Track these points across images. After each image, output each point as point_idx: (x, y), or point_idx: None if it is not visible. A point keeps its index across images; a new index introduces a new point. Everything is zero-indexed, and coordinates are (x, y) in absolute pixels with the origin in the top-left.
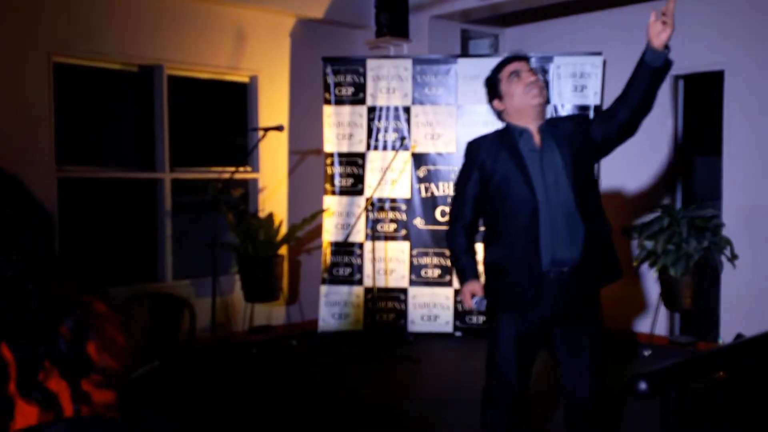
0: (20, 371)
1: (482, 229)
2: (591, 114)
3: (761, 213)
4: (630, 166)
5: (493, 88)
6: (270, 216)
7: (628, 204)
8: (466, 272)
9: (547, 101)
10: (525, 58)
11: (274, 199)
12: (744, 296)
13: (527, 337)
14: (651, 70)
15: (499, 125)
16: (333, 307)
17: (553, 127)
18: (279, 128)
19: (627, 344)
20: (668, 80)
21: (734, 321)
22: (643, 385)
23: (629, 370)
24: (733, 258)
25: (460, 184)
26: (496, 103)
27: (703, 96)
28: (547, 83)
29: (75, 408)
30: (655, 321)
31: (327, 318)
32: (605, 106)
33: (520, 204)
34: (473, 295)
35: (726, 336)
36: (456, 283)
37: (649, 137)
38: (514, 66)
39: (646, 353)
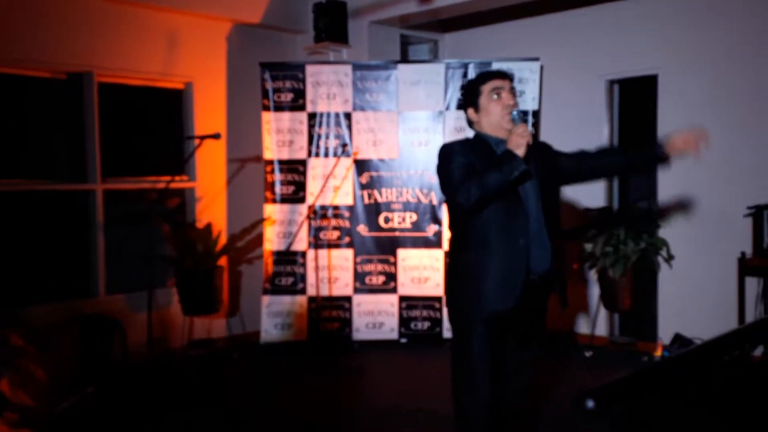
0: None
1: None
2: (530, 117)
3: (696, 214)
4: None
5: (472, 97)
6: (208, 226)
7: (567, 208)
8: (497, 163)
9: (522, 118)
10: (509, 77)
11: (212, 209)
12: (681, 296)
13: (494, 346)
14: (656, 159)
15: (434, 133)
16: (275, 317)
17: (529, 148)
18: (216, 136)
19: (569, 345)
20: (603, 84)
21: (672, 321)
22: (590, 403)
23: (572, 373)
24: (669, 259)
25: (448, 178)
26: (470, 112)
27: (638, 100)
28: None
29: None
30: (595, 322)
31: (269, 329)
32: (543, 111)
33: (508, 210)
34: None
35: (664, 335)
36: (401, 290)
37: (586, 143)
38: (498, 83)
39: (588, 354)
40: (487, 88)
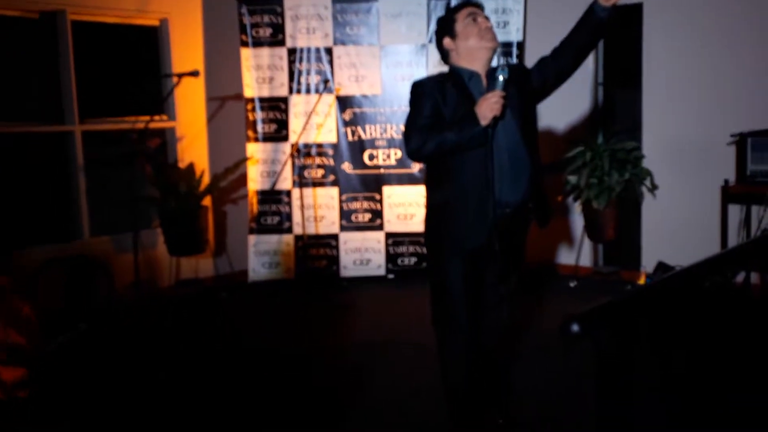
0: None
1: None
2: (514, 48)
3: (680, 144)
4: (552, 103)
5: (447, 25)
6: (190, 166)
7: (552, 140)
8: (459, 121)
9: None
10: (481, 6)
11: (193, 149)
12: (664, 225)
13: (471, 280)
14: (597, 21)
15: (418, 67)
16: (263, 256)
17: (495, 79)
18: (194, 74)
19: (554, 276)
20: None
21: (655, 250)
22: (574, 327)
23: (557, 302)
24: (653, 188)
25: (410, 119)
26: (447, 41)
27: (623, 29)
28: None
29: None
30: (579, 253)
31: (257, 268)
32: (527, 42)
33: (475, 146)
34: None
35: (648, 264)
36: (387, 227)
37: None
38: (471, 9)
39: (572, 284)
40: (462, 14)
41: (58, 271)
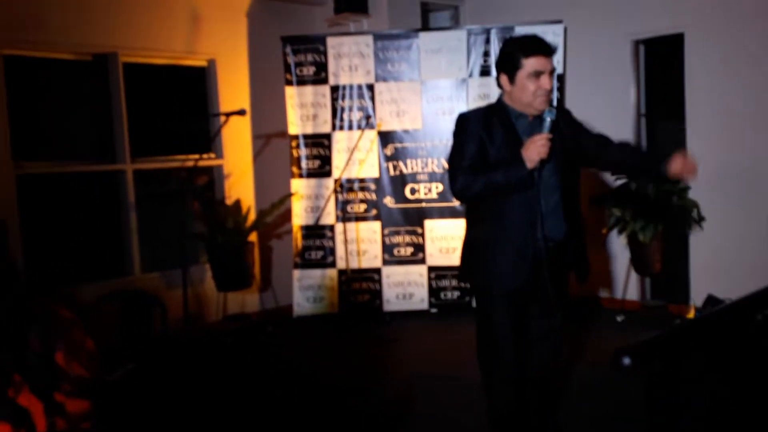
0: None
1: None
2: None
3: (727, 174)
4: None
5: (510, 65)
6: (237, 203)
7: (595, 172)
8: (505, 164)
9: (552, 122)
10: (552, 53)
11: (240, 185)
12: (713, 257)
13: (516, 316)
14: (657, 174)
15: (458, 101)
16: (307, 290)
17: (543, 121)
18: (241, 112)
19: (599, 310)
20: (628, 45)
21: (704, 283)
22: (626, 360)
23: (606, 337)
24: (700, 220)
25: (455, 157)
26: (504, 79)
27: (665, 60)
28: None
29: (49, 422)
30: (626, 286)
31: (301, 302)
32: (568, 74)
33: (520, 188)
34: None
35: (697, 298)
36: (429, 261)
37: (612, 105)
38: (540, 63)
39: (619, 318)
40: (529, 64)
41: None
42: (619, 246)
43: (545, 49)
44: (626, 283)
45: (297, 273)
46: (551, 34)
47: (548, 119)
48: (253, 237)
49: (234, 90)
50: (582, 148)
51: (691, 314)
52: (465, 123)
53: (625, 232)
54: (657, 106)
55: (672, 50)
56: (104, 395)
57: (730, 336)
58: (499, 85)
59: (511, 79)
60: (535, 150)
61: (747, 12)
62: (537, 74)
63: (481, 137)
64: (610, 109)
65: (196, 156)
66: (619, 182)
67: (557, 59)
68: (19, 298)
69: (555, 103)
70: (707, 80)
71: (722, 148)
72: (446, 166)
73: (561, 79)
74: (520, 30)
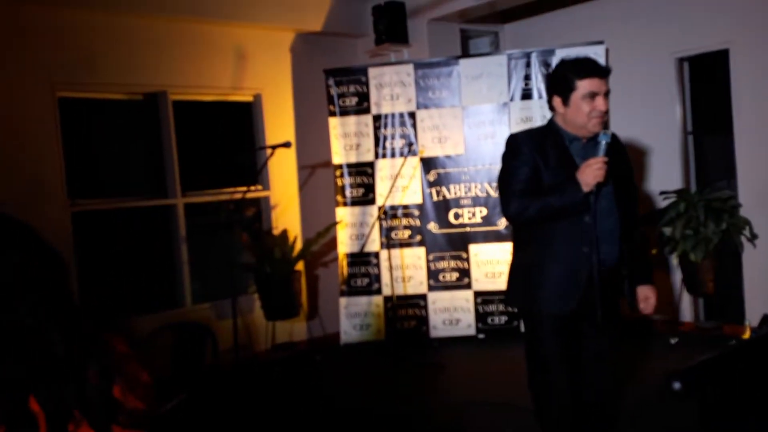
0: (50, 424)
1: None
2: None
3: None
4: (642, 154)
5: (563, 87)
6: (284, 233)
7: (644, 192)
8: (561, 187)
9: (608, 145)
10: (607, 75)
11: (286, 215)
12: (767, 276)
13: (568, 340)
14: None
15: (500, 125)
16: (354, 318)
17: (598, 143)
18: (287, 145)
19: (652, 332)
20: (672, 63)
21: (759, 302)
22: (676, 385)
23: (659, 359)
24: (753, 238)
25: (508, 180)
26: (557, 101)
27: (710, 76)
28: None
29: None
30: (679, 307)
31: (348, 330)
32: (611, 94)
33: (577, 215)
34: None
35: (752, 318)
36: (475, 286)
37: (658, 123)
38: (594, 85)
39: (673, 341)
40: (584, 86)
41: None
42: (671, 266)
43: (600, 71)
44: (679, 303)
45: (343, 300)
46: (592, 55)
47: (603, 142)
48: (299, 266)
49: (279, 123)
50: (625, 181)
51: (747, 335)
52: (518, 145)
53: (675, 252)
54: (703, 123)
55: (717, 66)
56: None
57: None
58: (551, 108)
59: (565, 101)
60: (591, 174)
61: None
62: (592, 95)
63: (535, 160)
64: (656, 128)
65: (244, 188)
66: (668, 201)
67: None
68: (77, 331)
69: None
70: (754, 95)
71: None
72: (490, 190)
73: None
74: (561, 52)
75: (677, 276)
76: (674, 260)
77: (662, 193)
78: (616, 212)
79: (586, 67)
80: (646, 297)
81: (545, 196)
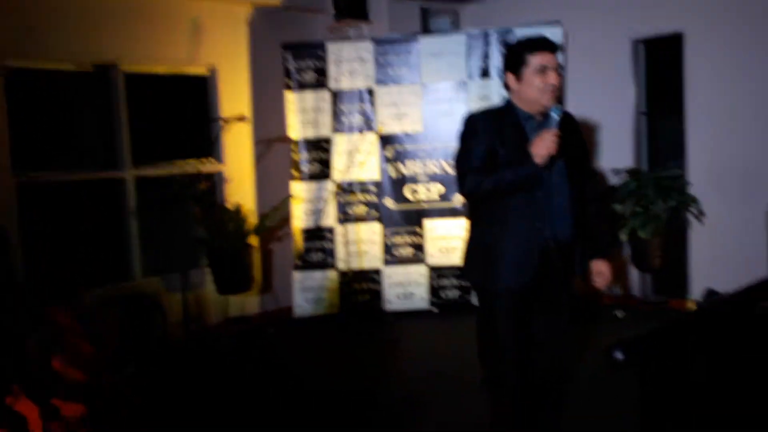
0: None
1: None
2: None
3: (725, 170)
4: (596, 132)
5: (516, 63)
6: (238, 207)
7: (597, 170)
8: (515, 161)
9: (559, 117)
10: (556, 50)
11: (241, 190)
12: (712, 252)
13: (521, 315)
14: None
15: (458, 103)
16: (308, 292)
17: (550, 118)
18: (241, 118)
19: (600, 307)
20: (628, 45)
21: (704, 277)
22: (618, 354)
23: (606, 334)
24: (699, 215)
25: (464, 158)
26: (510, 78)
27: (665, 58)
28: None
29: (45, 427)
30: (627, 282)
31: (302, 303)
32: (568, 75)
33: (531, 191)
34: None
35: (697, 292)
36: (430, 260)
37: (613, 104)
38: (545, 59)
39: (620, 314)
40: (535, 61)
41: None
42: (620, 243)
43: (550, 46)
44: (627, 279)
45: (298, 275)
46: (550, 36)
47: (555, 115)
48: (253, 240)
49: (235, 97)
50: (579, 159)
51: (692, 309)
52: (474, 124)
53: (625, 228)
54: (657, 105)
55: (672, 49)
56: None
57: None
58: (506, 86)
59: (518, 77)
60: (543, 146)
61: (745, 10)
62: (543, 69)
63: (491, 138)
64: (611, 109)
65: (197, 162)
66: (620, 179)
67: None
68: (18, 304)
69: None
70: (707, 78)
71: (721, 144)
72: (446, 167)
73: (562, 79)
74: (519, 32)
75: (627, 252)
76: (624, 237)
77: (615, 171)
78: (569, 189)
79: (537, 42)
80: (600, 271)
81: (500, 171)
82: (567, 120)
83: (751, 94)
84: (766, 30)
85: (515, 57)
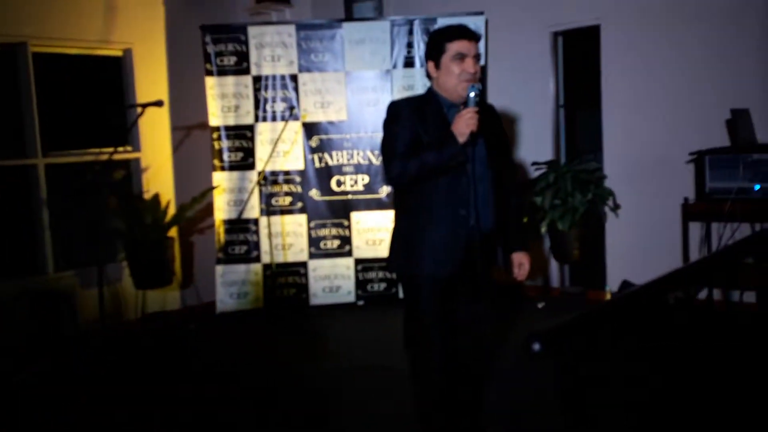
0: None
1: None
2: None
3: (641, 163)
4: (515, 126)
5: (435, 51)
6: (156, 197)
7: (517, 163)
8: (436, 150)
9: (477, 97)
10: (476, 38)
11: (159, 179)
12: (628, 244)
13: (445, 303)
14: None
15: (383, 92)
16: (231, 286)
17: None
18: (158, 104)
19: (521, 298)
20: (547, 37)
21: (620, 269)
22: (536, 346)
23: (525, 323)
24: (615, 208)
25: (390, 145)
26: (431, 66)
27: (583, 51)
28: None
29: None
30: (546, 273)
31: (225, 298)
32: (489, 65)
33: (452, 179)
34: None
35: (613, 283)
36: (356, 253)
37: (533, 95)
38: (463, 46)
39: (540, 305)
40: (453, 48)
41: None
42: (540, 235)
43: (468, 34)
44: (546, 270)
45: (220, 269)
46: (472, 26)
47: (472, 94)
48: (173, 232)
49: (152, 80)
50: (501, 151)
51: (607, 299)
52: (398, 111)
53: (544, 221)
54: (575, 97)
55: (589, 42)
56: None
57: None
58: (428, 75)
59: (437, 65)
60: (463, 123)
61: (659, 4)
62: (461, 57)
63: (415, 125)
64: (530, 100)
65: (112, 149)
66: (539, 172)
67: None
68: None
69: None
70: (621, 71)
71: (636, 137)
72: (372, 157)
73: (483, 70)
74: (443, 21)
75: (546, 244)
76: (543, 229)
77: (534, 163)
78: (490, 178)
79: (455, 30)
80: (521, 263)
81: (423, 153)
82: (487, 108)
83: (665, 87)
84: (678, 23)
85: (434, 45)
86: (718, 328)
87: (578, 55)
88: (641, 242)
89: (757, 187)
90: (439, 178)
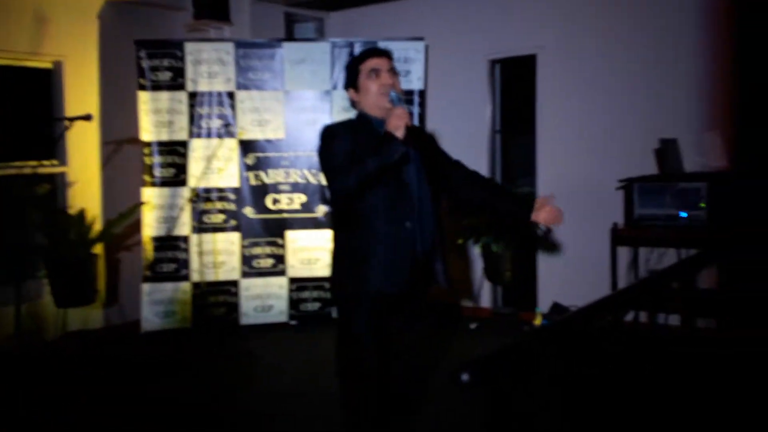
0: None
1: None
2: (416, 97)
3: (572, 188)
4: (451, 149)
5: (351, 77)
6: (81, 212)
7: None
8: (375, 153)
9: (401, 99)
10: (387, 55)
11: (86, 194)
12: (559, 267)
13: (381, 329)
14: (517, 221)
15: (322, 113)
16: (157, 305)
17: (409, 130)
18: (87, 117)
19: (454, 318)
20: (485, 65)
21: (551, 291)
22: (464, 377)
23: (458, 345)
24: (548, 231)
25: (330, 160)
26: (351, 92)
27: (519, 79)
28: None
29: None
30: (479, 294)
31: (150, 317)
32: (429, 91)
33: (394, 193)
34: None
35: (543, 305)
36: (291, 272)
37: (469, 121)
38: (375, 62)
39: (473, 326)
40: (365, 67)
41: None
42: (473, 255)
43: (378, 51)
44: (479, 291)
45: (146, 287)
46: (413, 51)
47: (393, 94)
48: (98, 249)
49: (82, 94)
50: (442, 174)
51: (538, 321)
52: (333, 131)
53: (479, 242)
54: (511, 123)
55: (525, 70)
56: None
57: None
58: (352, 104)
59: (356, 89)
60: (396, 118)
61: (593, 36)
62: (375, 72)
63: (350, 142)
64: (467, 125)
65: (36, 162)
66: None
67: (418, 75)
68: None
69: (416, 120)
70: (556, 99)
71: (568, 163)
72: (309, 176)
73: (422, 95)
74: (383, 44)
75: (479, 264)
76: (477, 250)
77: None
78: (430, 193)
79: (366, 51)
80: (542, 206)
81: (362, 160)
82: (418, 129)
83: (597, 115)
84: (610, 55)
85: (350, 71)
86: (644, 352)
87: (515, 82)
88: (572, 265)
89: (684, 214)
90: (379, 192)
